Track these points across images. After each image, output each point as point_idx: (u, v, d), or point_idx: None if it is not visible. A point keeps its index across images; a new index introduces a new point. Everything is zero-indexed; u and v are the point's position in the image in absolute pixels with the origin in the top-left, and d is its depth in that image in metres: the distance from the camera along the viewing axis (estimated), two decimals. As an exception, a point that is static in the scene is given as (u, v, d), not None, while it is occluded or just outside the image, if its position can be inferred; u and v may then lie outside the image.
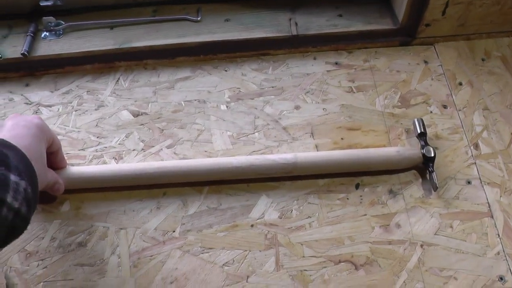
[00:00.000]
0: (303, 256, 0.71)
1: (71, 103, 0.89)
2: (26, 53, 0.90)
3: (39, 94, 0.91)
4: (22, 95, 0.91)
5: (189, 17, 0.97)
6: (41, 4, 0.95)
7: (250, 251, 0.72)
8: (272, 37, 0.93)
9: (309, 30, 0.94)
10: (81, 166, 0.79)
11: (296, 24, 0.95)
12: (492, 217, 0.74)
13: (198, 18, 0.96)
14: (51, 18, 0.95)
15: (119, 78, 0.93)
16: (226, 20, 0.96)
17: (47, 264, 0.72)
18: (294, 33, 0.93)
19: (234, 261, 0.71)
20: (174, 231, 0.74)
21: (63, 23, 0.95)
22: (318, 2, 0.99)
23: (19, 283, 0.70)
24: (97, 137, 0.84)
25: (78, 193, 0.78)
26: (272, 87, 0.90)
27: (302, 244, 0.72)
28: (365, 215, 0.75)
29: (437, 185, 0.75)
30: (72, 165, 0.81)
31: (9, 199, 0.52)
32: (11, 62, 0.92)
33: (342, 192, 0.77)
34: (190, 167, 0.76)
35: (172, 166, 0.76)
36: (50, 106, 0.89)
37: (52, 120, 0.87)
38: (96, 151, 0.83)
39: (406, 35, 0.94)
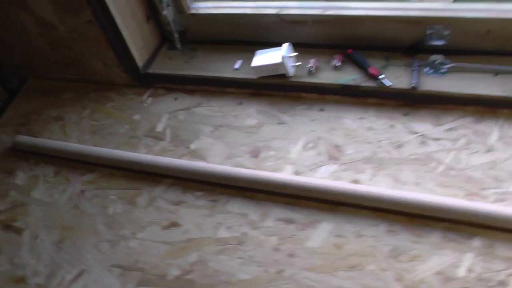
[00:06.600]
0: None
1: (458, 140, 0.93)
2: (416, 86, 0.96)
3: (421, 126, 0.96)
4: (402, 124, 0.97)
5: None
6: (429, 44, 1.01)
7: None
8: None
9: None
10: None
11: None
12: None
13: None
14: (439, 57, 1.00)
15: (503, 125, 0.94)
16: None
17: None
18: None
19: None
20: None
21: (449, 62, 1.00)
22: None
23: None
24: (495, 180, 0.86)
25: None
26: None
27: None
28: None
29: None
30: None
31: None
32: (396, 91, 0.99)
33: None
34: None
35: None
36: (437, 139, 0.93)
37: (442, 154, 0.91)
38: (496, 194, 0.84)
39: None
